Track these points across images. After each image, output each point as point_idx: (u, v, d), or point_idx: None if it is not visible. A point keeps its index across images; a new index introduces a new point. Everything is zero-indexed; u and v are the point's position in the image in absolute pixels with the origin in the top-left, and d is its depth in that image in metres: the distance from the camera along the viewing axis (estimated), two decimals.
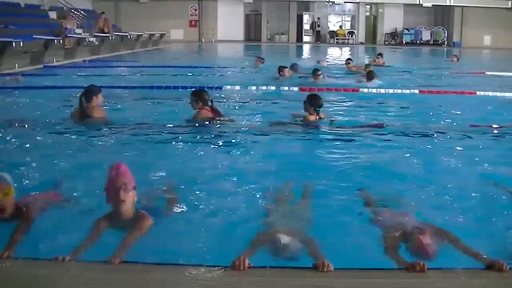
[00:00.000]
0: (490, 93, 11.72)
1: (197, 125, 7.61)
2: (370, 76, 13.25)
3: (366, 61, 20.19)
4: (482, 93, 11.73)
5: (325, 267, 3.28)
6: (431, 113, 9.51)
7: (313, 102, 7.67)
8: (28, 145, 6.67)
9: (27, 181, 5.07)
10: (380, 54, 20.25)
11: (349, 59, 18.00)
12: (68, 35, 21.13)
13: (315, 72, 13.39)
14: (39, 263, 3.39)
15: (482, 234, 4.08)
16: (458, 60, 22.98)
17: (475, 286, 3.23)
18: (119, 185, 3.72)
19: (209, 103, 7.72)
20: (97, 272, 3.30)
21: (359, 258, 3.67)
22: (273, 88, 12.06)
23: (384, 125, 8.08)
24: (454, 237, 3.67)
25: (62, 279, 3.20)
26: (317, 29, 43.28)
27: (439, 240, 3.62)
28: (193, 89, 8.34)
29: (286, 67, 14.17)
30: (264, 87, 12.08)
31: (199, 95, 7.76)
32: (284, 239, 3.60)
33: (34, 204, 4.04)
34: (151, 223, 3.85)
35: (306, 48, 37.84)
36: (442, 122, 8.59)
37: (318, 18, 43.56)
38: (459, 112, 9.49)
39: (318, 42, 42.08)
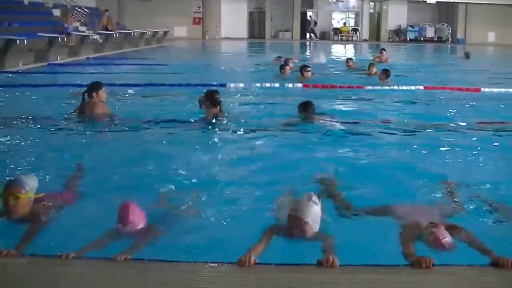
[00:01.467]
0: (495, 90, 11.70)
1: (204, 123, 7.63)
2: (387, 74, 12.89)
3: (370, 58, 20.12)
4: (486, 89, 11.70)
5: (329, 262, 3.27)
6: (436, 109, 9.51)
7: (306, 108, 7.74)
8: (31, 143, 6.68)
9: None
10: (383, 49, 20.07)
11: (349, 58, 17.82)
12: (72, 33, 21.11)
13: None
14: (43, 260, 3.39)
15: (488, 230, 4.06)
16: (468, 57, 22.83)
17: (481, 282, 3.21)
18: (128, 231, 3.71)
19: (218, 104, 7.74)
20: (101, 268, 3.30)
21: (367, 254, 3.67)
22: (277, 85, 12.03)
23: (390, 122, 8.08)
24: (467, 233, 3.67)
25: (65, 276, 3.20)
26: (311, 26, 43.00)
27: (453, 235, 3.62)
28: (205, 90, 8.30)
29: (287, 65, 14.16)
30: (268, 84, 12.06)
31: (209, 95, 7.79)
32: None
33: (47, 207, 4.05)
34: (158, 234, 3.84)
35: (297, 45, 37.54)
36: (447, 119, 8.58)
37: (310, 16, 43.18)
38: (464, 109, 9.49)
39: (317, 39, 41.97)
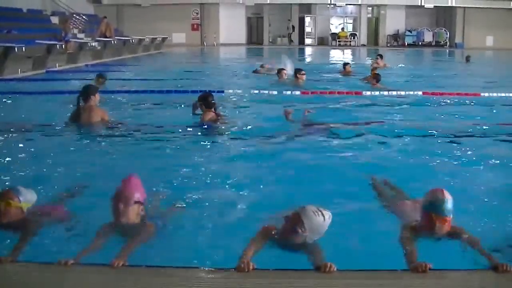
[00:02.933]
0: (495, 94, 11.71)
1: (201, 127, 7.62)
2: (377, 78, 12.89)
3: (369, 63, 20.05)
4: (486, 94, 11.71)
5: (327, 268, 3.28)
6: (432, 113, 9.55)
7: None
8: (29, 150, 6.67)
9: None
10: (380, 55, 19.74)
11: (346, 63, 17.28)
12: (70, 40, 21.13)
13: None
14: (42, 266, 3.39)
15: (485, 233, 4.05)
16: (468, 60, 22.79)
17: (478, 287, 3.22)
18: (120, 198, 3.74)
19: (214, 107, 7.72)
20: (100, 275, 3.29)
21: (365, 258, 3.68)
22: (275, 92, 12.01)
23: (384, 122, 8.11)
24: (468, 235, 3.66)
25: (65, 283, 3.20)
26: (289, 31, 42.74)
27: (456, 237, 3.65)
28: (200, 93, 8.30)
29: (284, 69, 14.07)
30: (265, 91, 12.03)
31: (204, 98, 7.77)
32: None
33: (39, 218, 4.03)
34: (154, 232, 3.86)
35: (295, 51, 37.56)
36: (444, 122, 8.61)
37: (289, 20, 42.90)
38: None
39: (293, 44, 41.78)
